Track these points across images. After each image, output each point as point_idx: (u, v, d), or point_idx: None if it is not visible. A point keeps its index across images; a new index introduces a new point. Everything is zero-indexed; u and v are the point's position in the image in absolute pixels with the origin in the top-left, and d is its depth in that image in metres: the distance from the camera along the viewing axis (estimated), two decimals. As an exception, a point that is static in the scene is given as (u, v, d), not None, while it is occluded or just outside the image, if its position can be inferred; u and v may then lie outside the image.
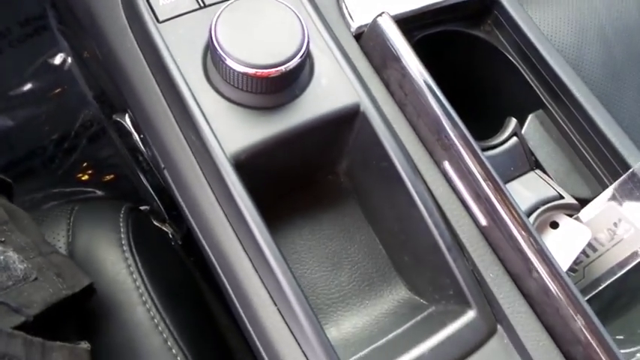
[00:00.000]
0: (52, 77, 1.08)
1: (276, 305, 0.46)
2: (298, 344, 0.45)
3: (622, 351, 0.52)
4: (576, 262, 0.65)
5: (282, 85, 0.49)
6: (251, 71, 0.46)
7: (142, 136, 0.57)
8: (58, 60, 1.08)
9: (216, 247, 0.49)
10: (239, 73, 0.46)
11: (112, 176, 1.12)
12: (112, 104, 0.95)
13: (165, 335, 0.57)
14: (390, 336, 0.51)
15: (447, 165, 0.53)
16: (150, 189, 0.76)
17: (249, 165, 0.48)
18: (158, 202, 0.76)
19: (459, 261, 0.50)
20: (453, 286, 0.51)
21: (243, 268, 0.47)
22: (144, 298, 0.59)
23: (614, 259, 0.62)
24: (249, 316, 0.47)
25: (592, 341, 0.46)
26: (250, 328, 0.47)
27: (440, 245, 0.50)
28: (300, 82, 0.51)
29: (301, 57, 0.47)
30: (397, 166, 0.51)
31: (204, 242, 0.50)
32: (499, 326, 0.50)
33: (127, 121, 0.59)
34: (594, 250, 0.63)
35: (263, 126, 0.49)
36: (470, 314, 0.50)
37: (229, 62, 0.46)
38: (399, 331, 0.52)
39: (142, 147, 0.58)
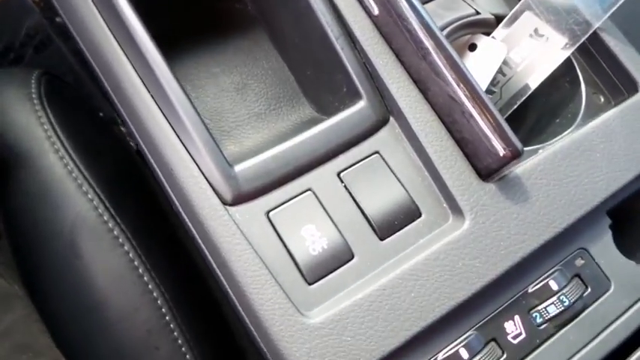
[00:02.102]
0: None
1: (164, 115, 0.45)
2: (186, 148, 0.45)
3: (526, 148, 0.52)
4: (494, 82, 0.63)
5: None
6: None
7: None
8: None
9: (110, 72, 0.47)
10: None
11: (59, 85, 1.09)
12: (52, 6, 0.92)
13: (79, 181, 0.56)
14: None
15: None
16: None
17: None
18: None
19: (348, 50, 0.49)
20: (345, 81, 0.50)
21: (136, 90, 0.46)
22: (56, 147, 0.58)
23: (529, 73, 0.61)
24: (144, 139, 0.46)
25: (479, 118, 0.45)
26: (145, 149, 0.47)
27: (328, 34, 0.48)
28: None
29: None
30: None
31: (94, 65, 0.48)
32: (391, 117, 0.50)
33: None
34: (510, 67, 0.62)
35: None
36: (360, 104, 0.49)
37: None
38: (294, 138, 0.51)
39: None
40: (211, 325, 0.62)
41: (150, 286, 0.54)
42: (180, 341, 0.54)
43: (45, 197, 0.56)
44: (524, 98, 0.62)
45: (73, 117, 0.65)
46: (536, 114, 0.66)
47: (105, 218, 0.55)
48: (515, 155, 0.44)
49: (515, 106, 0.62)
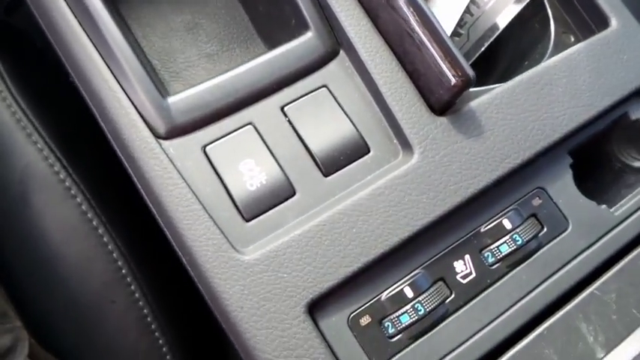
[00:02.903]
0: None
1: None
2: (116, 78, 0.42)
3: (487, 87, 0.49)
4: (461, 23, 0.60)
5: None
6: None
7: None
8: None
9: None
10: None
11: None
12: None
13: (28, 130, 0.54)
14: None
15: None
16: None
17: None
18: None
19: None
20: (293, 13, 0.47)
21: (65, 19, 0.43)
22: (3, 94, 0.55)
23: (498, 12, 0.58)
24: (74, 68, 0.44)
25: (430, 45, 0.42)
26: (75, 78, 0.44)
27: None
28: None
29: None
30: None
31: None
32: (341, 50, 0.47)
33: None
34: (478, 5, 0.59)
35: None
36: (307, 35, 0.46)
37: None
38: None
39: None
40: (171, 280, 0.61)
41: (105, 239, 0.52)
42: (137, 295, 0.52)
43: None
44: (492, 39, 0.59)
45: (26, 68, 0.62)
46: (506, 59, 0.63)
47: (56, 169, 0.53)
48: (467, 83, 0.41)
49: (483, 49, 0.59)
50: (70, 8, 0.43)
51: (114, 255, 0.52)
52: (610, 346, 0.39)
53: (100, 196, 0.55)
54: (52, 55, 0.46)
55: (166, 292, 0.58)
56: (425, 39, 0.43)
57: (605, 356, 0.38)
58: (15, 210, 0.54)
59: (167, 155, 0.41)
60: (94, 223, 0.53)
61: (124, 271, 0.52)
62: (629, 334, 0.39)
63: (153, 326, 0.53)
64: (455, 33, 0.61)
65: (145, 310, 0.52)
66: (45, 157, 0.53)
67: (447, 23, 0.58)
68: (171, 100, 0.42)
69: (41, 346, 0.62)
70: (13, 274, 0.57)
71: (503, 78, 0.61)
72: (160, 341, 0.53)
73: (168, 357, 0.53)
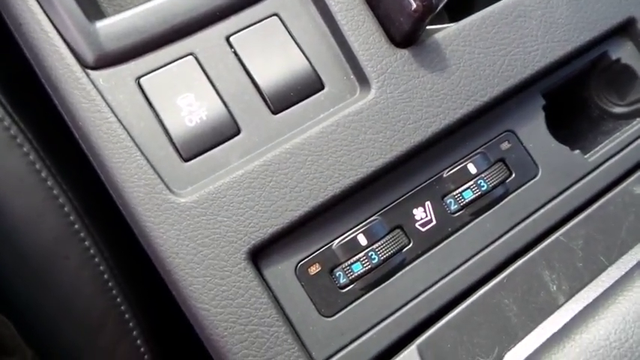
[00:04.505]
0: None
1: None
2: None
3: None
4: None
5: None
6: None
7: None
8: None
9: None
10: None
11: None
12: None
13: None
14: None
15: None
16: None
17: None
18: None
19: None
20: None
21: None
22: None
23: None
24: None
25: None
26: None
27: None
28: None
29: None
30: None
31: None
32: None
33: None
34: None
35: None
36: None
37: None
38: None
39: None
40: (127, 234, 0.57)
41: (55, 192, 0.48)
42: (92, 251, 0.49)
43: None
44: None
45: None
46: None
47: None
48: (429, 8, 0.37)
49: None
50: None
51: (65, 209, 0.48)
52: (573, 295, 0.36)
53: (50, 145, 0.51)
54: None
55: (123, 248, 0.54)
56: (384, -40, 0.38)
57: (565, 302, 0.35)
58: None
59: (95, 87, 0.37)
60: (43, 174, 0.48)
61: (76, 226, 0.48)
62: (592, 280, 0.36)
63: (110, 283, 0.49)
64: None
65: (102, 267, 0.49)
66: None
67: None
68: (100, 24, 0.38)
69: (-10, 306, 0.59)
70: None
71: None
72: (118, 299, 0.50)
73: (127, 315, 0.50)
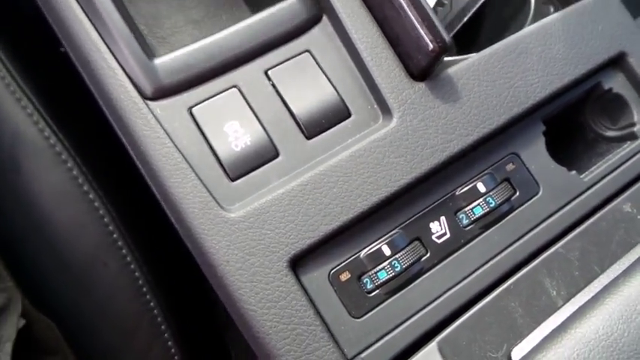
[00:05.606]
0: None
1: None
2: (103, 40, 0.43)
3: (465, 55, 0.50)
4: (445, -7, 0.61)
5: None
6: None
7: None
8: None
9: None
10: None
11: None
12: None
13: (17, 95, 0.53)
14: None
15: None
16: None
17: None
18: None
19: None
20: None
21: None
22: None
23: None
24: (63, 33, 0.45)
25: (409, 10, 0.44)
26: (65, 43, 0.45)
27: None
28: None
29: None
30: None
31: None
32: (324, 16, 0.48)
33: None
34: (461, -25, 0.60)
35: None
36: (291, 0, 0.47)
37: None
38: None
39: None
40: (161, 244, 0.62)
41: (96, 204, 0.53)
42: (128, 258, 0.53)
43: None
44: (474, 9, 0.60)
45: (15, 35, 0.62)
46: (488, 30, 0.65)
47: (46, 134, 0.53)
48: (444, 48, 0.42)
49: (466, 19, 0.60)
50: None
51: (105, 220, 0.53)
52: (570, 299, 0.42)
53: (91, 161, 0.56)
54: (41, 22, 0.47)
55: (157, 256, 0.59)
56: (404, 3, 0.44)
57: (563, 305, 0.41)
58: (4, 175, 0.54)
59: (154, 115, 0.42)
60: (85, 188, 0.53)
61: (115, 235, 0.53)
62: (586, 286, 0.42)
63: (144, 289, 0.54)
64: (438, 3, 0.62)
65: (137, 273, 0.54)
66: (35, 121, 0.53)
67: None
68: (157, 61, 0.43)
69: (34, 307, 0.64)
70: (5, 238, 0.58)
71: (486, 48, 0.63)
72: (151, 303, 0.54)
73: (159, 319, 0.55)
